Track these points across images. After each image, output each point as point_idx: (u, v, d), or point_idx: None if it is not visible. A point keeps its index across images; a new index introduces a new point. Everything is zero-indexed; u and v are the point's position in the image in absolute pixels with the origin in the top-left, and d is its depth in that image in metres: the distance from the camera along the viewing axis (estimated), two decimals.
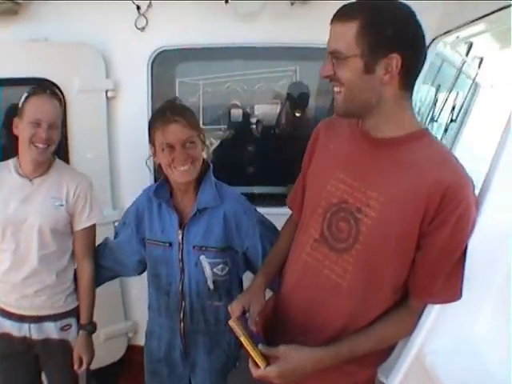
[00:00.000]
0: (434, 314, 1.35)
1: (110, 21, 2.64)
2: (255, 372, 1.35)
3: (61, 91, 2.56)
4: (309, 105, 3.32)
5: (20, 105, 1.99)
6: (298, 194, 1.64)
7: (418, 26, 1.25)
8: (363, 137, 1.37)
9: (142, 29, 2.64)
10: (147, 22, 2.63)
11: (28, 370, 2.16)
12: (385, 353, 1.48)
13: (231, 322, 1.41)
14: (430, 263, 1.29)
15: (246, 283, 2.04)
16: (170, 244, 1.87)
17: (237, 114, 4.02)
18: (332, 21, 1.25)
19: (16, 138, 2.01)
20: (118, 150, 2.80)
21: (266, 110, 3.97)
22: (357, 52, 1.21)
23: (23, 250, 2.01)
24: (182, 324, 1.92)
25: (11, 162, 2.07)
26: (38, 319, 2.07)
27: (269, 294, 1.78)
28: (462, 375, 1.30)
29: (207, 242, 1.84)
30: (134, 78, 2.73)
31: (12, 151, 2.08)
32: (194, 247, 1.85)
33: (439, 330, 1.37)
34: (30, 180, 2.02)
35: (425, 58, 1.30)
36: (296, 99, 3.28)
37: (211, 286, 1.87)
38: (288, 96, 3.37)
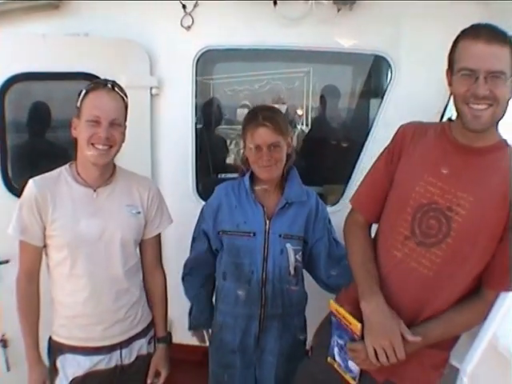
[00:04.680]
0: (507, 302, 1.62)
1: (155, 18, 2.84)
2: None
3: None
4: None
5: (78, 103, 1.87)
6: (375, 195, 1.84)
7: None
8: (451, 144, 1.65)
9: (188, 28, 2.85)
10: (193, 21, 2.83)
11: None
12: (456, 337, 1.75)
13: (330, 360, 1.80)
14: (508, 254, 1.56)
15: None
16: (254, 234, 2.12)
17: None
18: (487, 41, 1.47)
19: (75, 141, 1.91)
20: (160, 145, 2.99)
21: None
22: (511, 73, 1.49)
23: (103, 270, 1.92)
24: (262, 310, 2.16)
25: (64, 171, 1.94)
26: (129, 341, 2.04)
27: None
28: None
29: (292, 231, 2.14)
30: (178, 76, 2.93)
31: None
32: (280, 235, 2.12)
33: (510, 315, 1.63)
34: (94, 190, 1.92)
35: None
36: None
37: (292, 272, 2.15)
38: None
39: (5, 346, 2.81)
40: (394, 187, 1.77)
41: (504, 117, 1.56)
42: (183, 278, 2.35)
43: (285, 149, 2.10)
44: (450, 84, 1.60)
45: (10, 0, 2.76)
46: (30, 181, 1.88)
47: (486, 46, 1.47)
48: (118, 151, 1.90)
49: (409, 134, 1.76)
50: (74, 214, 1.87)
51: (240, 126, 2.32)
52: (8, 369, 2.83)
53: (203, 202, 2.45)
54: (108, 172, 1.96)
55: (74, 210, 1.88)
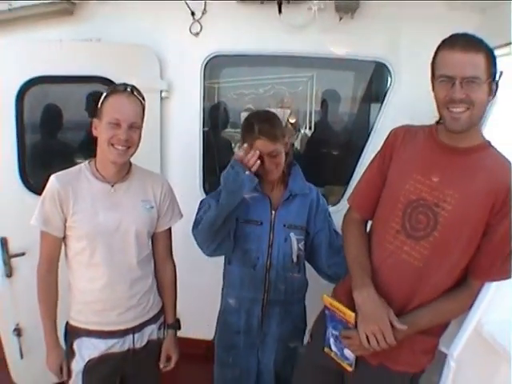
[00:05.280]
0: (491, 291, 1.79)
1: (165, 25, 3.04)
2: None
3: None
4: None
5: (99, 105, 2.00)
6: (370, 194, 2.01)
7: None
8: (438, 145, 1.81)
9: (197, 34, 3.04)
10: (201, 27, 3.03)
11: None
12: (445, 325, 1.92)
13: (327, 349, 1.97)
14: (493, 247, 1.73)
15: None
16: (261, 223, 2.32)
17: None
18: (462, 49, 1.62)
19: (95, 140, 2.04)
20: (169, 146, 3.18)
21: None
22: (487, 78, 1.64)
23: (120, 260, 2.07)
24: (265, 294, 2.34)
25: (84, 167, 2.08)
26: (141, 326, 2.18)
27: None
28: None
29: (296, 222, 2.34)
30: (187, 80, 3.13)
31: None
32: (284, 225, 2.32)
33: (494, 304, 1.81)
34: (112, 185, 2.06)
35: None
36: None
37: (295, 259, 2.34)
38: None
39: (19, 334, 2.99)
40: (387, 186, 1.93)
41: (483, 118, 1.76)
42: (194, 229, 2.31)
43: (283, 152, 2.25)
44: (433, 90, 1.76)
45: (27, 6, 2.95)
46: (53, 176, 2.02)
47: (462, 54, 1.63)
48: (135, 151, 2.04)
49: (399, 137, 1.93)
50: (93, 207, 2.01)
51: None
52: (21, 356, 3.01)
53: None
54: (125, 169, 2.10)
55: (93, 203, 2.02)
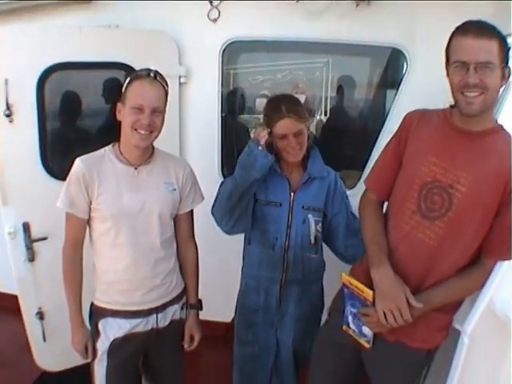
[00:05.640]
0: (503, 270, 1.87)
1: (183, 10, 3.13)
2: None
3: None
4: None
5: (123, 90, 2.06)
6: (386, 176, 2.10)
7: None
8: (451, 128, 1.90)
9: (214, 20, 3.13)
10: (219, 14, 3.12)
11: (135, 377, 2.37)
12: (459, 303, 2.01)
13: (345, 327, 2.07)
14: (505, 227, 1.82)
15: None
16: (280, 204, 2.42)
17: None
18: (475, 35, 1.70)
19: (119, 124, 2.09)
20: (188, 131, 3.29)
21: None
22: (500, 63, 1.72)
23: (144, 241, 2.14)
24: (283, 274, 2.45)
25: (108, 151, 2.15)
26: (164, 306, 2.25)
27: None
28: None
29: (314, 204, 2.44)
30: (205, 66, 3.22)
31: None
32: (302, 207, 2.42)
33: (505, 282, 1.89)
34: (135, 168, 2.13)
35: None
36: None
37: (312, 241, 2.44)
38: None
39: (41, 318, 3.10)
40: (402, 168, 2.02)
41: (496, 102, 1.83)
42: (213, 207, 2.44)
43: (306, 133, 2.35)
44: (447, 75, 1.84)
45: None
46: (78, 159, 2.09)
47: (475, 40, 1.71)
48: (158, 135, 2.11)
49: (415, 120, 2.01)
50: (117, 189, 2.09)
51: (259, 115, 2.55)
52: (44, 339, 3.13)
53: None
54: (148, 153, 2.17)
55: (117, 185, 2.09)
